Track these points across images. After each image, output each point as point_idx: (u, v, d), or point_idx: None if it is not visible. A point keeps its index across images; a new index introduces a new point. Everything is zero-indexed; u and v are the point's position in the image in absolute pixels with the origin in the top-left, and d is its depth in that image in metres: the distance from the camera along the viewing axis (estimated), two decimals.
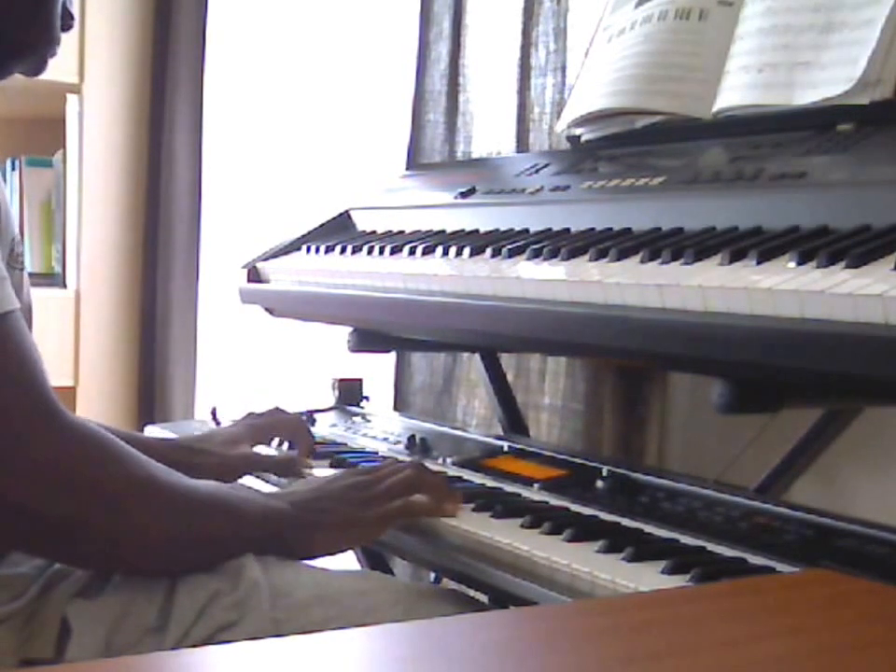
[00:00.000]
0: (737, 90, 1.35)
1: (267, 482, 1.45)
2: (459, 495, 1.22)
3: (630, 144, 1.48)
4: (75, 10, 1.19)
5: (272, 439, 1.51)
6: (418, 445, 1.50)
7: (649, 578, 0.97)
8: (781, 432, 1.52)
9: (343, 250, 1.58)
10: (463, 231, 1.48)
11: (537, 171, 1.54)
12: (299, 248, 1.71)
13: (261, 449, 1.48)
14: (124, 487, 1.05)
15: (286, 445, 1.52)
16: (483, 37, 2.04)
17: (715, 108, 1.38)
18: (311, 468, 1.42)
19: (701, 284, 1.00)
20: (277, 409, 1.52)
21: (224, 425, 1.55)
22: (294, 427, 1.51)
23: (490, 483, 1.33)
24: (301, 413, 1.66)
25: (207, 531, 1.10)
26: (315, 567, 1.18)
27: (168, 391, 2.60)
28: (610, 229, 1.28)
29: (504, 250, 1.29)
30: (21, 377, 1.02)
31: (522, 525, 1.13)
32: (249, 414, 1.51)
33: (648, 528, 1.13)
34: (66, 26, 1.18)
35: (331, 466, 1.41)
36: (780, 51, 1.31)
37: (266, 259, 1.72)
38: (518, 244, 1.30)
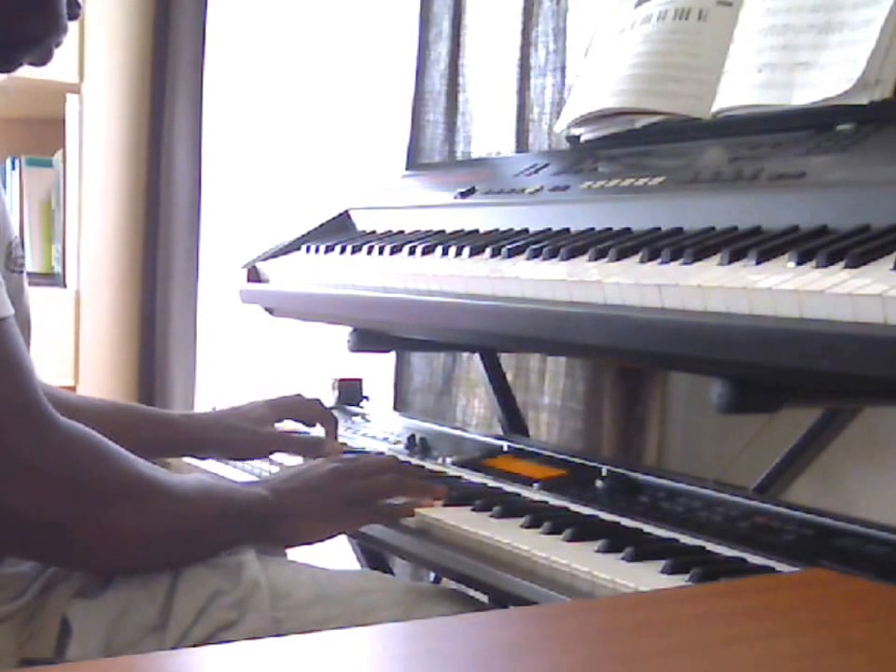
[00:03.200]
0: (737, 90, 1.35)
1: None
2: (442, 490, 1.23)
3: (630, 144, 1.48)
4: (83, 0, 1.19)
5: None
6: (418, 445, 1.50)
7: (648, 578, 0.97)
8: (781, 432, 1.52)
9: (343, 250, 1.58)
10: (463, 230, 1.48)
11: (536, 171, 1.54)
12: (299, 248, 1.71)
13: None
14: (113, 488, 1.05)
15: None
16: (482, 37, 2.04)
17: (714, 108, 1.38)
18: (341, 451, 1.42)
19: (700, 284, 1.00)
20: (299, 395, 1.52)
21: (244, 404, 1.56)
22: (316, 409, 1.51)
23: (490, 482, 1.33)
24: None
25: (197, 525, 1.11)
26: (315, 566, 1.19)
27: (168, 391, 2.60)
28: (610, 229, 1.28)
29: (504, 250, 1.29)
30: (13, 382, 1.02)
31: (521, 525, 1.13)
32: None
33: (647, 528, 1.13)
34: (73, 15, 1.18)
35: None
36: (780, 51, 1.31)
37: (266, 259, 1.72)
38: (518, 244, 1.30)
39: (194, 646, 1.03)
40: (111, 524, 1.05)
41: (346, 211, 1.78)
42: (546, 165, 1.54)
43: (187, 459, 1.46)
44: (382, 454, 1.48)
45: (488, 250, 1.32)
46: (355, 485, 1.20)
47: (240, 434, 1.39)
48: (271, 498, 1.15)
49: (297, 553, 1.31)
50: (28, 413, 1.02)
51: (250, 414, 1.44)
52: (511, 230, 1.41)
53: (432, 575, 1.65)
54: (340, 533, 1.23)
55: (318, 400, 1.53)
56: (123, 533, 1.06)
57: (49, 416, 1.03)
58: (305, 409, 1.51)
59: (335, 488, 1.19)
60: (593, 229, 1.29)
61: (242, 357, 2.70)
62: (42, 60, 1.19)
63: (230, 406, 1.51)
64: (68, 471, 1.03)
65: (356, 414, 1.76)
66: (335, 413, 1.76)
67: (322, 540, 1.20)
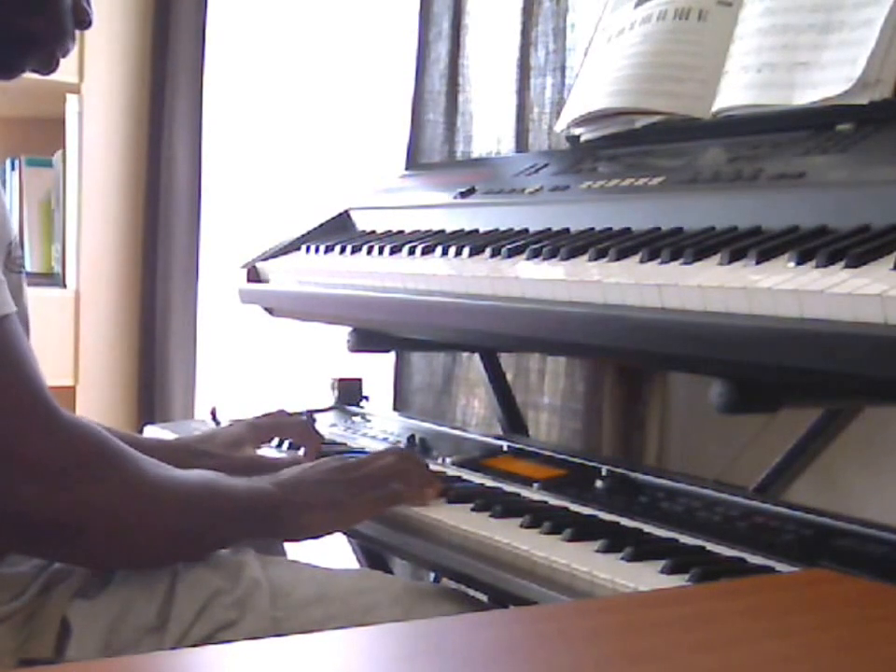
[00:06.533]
0: (737, 90, 1.35)
1: None
2: (439, 484, 1.23)
3: (629, 144, 1.48)
4: (92, 9, 1.18)
5: (274, 440, 1.51)
6: (418, 445, 1.50)
7: (648, 577, 0.97)
8: (781, 432, 1.52)
9: (343, 250, 1.58)
10: (462, 230, 1.48)
11: (536, 171, 1.54)
12: (298, 248, 1.71)
13: (265, 450, 1.48)
14: (117, 484, 1.05)
15: (285, 445, 1.52)
16: (482, 37, 2.04)
17: (714, 108, 1.38)
18: None
19: (700, 284, 1.00)
20: (282, 411, 1.52)
21: (223, 425, 1.55)
22: (299, 428, 1.50)
23: (489, 482, 1.33)
24: (301, 413, 1.66)
25: (199, 521, 1.11)
26: (315, 566, 1.19)
27: (168, 391, 2.60)
28: (610, 229, 1.28)
29: (503, 250, 1.29)
30: (19, 378, 1.02)
31: (521, 525, 1.13)
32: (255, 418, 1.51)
33: (647, 528, 1.13)
34: (82, 22, 1.17)
35: None
36: (779, 51, 1.31)
37: (266, 259, 1.72)
38: (517, 243, 1.30)
39: (194, 646, 1.03)
40: (114, 520, 1.05)
41: (346, 211, 1.78)
42: (546, 165, 1.54)
43: None
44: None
45: (488, 250, 1.32)
46: (359, 475, 1.20)
47: (206, 459, 1.34)
48: (276, 492, 1.15)
49: (297, 553, 1.31)
50: (33, 408, 1.02)
51: (226, 438, 1.42)
52: (511, 230, 1.41)
53: (432, 575, 1.65)
54: (347, 525, 1.22)
55: (301, 420, 1.52)
56: (126, 529, 1.06)
57: (55, 411, 1.03)
58: (287, 428, 1.50)
59: (340, 480, 1.18)
60: (593, 229, 1.29)
61: (242, 357, 2.70)
62: (45, 67, 1.18)
63: (208, 429, 1.50)
64: (73, 467, 1.03)
65: (355, 414, 1.76)
66: (335, 413, 1.77)
67: (329, 533, 1.20)
